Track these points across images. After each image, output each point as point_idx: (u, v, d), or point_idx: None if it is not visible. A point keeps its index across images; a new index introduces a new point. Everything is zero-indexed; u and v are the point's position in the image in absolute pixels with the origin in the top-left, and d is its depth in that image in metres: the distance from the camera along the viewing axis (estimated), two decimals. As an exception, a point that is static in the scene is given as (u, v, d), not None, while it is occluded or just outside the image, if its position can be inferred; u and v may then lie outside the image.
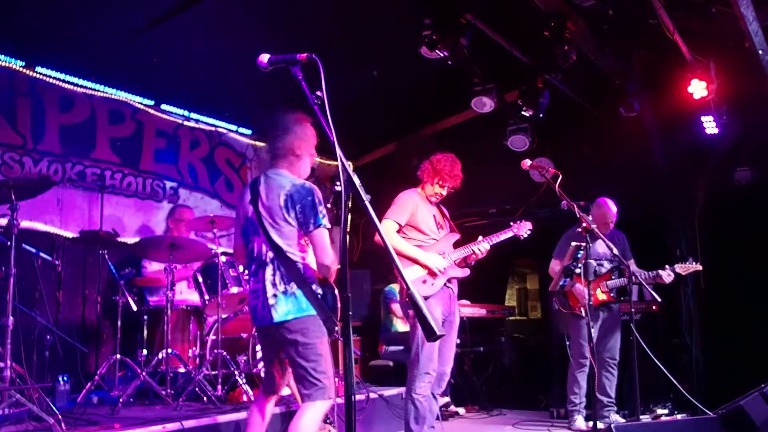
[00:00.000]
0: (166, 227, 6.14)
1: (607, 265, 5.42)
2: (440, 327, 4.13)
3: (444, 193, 4.47)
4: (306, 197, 3.11)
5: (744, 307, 6.05)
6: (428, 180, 4.47)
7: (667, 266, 5.21)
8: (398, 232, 4.32)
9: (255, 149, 7.28)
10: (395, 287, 6.72)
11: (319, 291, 3.12)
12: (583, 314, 5.29)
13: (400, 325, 6.73)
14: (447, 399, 6.19)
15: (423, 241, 4.36)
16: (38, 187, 4.25)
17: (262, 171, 3.28)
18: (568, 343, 5.47)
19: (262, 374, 3.74)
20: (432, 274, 4.26)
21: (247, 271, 3.35)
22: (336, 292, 3.19)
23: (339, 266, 3.25)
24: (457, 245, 4.46)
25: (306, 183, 3.20)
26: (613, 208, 5.46)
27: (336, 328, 3.11)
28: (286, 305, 3.07)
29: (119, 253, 5.66)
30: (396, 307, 6.68)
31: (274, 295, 3.09)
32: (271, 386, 3.31)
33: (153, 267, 5.58)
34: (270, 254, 3.13)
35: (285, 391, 3.31)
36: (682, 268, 5.21)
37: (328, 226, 3.15)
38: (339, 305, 3.20)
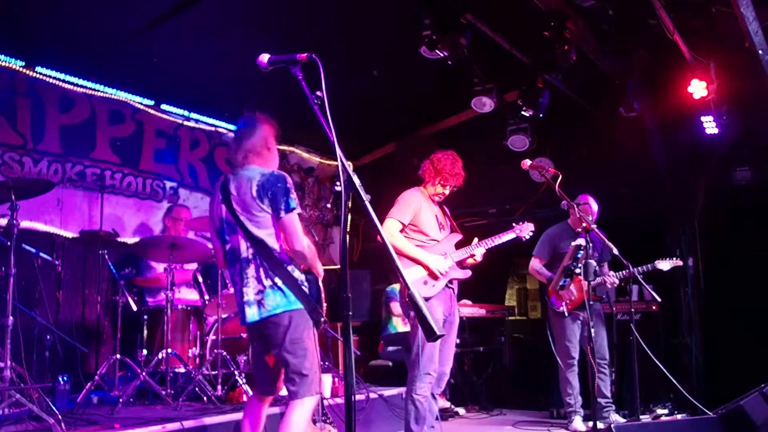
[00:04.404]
0: (163, 226, 6.14)
1: None
2: (440, 327, 4.14)
3: (447, 192, 4.45)
4: (276, 183, 3.11)
5: (744, 308, 6.04)
6: (430, 180, 4.46)
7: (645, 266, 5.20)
8: (400, 231, 4.31)
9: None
10: (397, 287, 6.71)
11: (304, 282, 3.13)
12: (566, 314, 5.31)
13: (399, 325, 6.73)
14: (447, 404, 6.18)
15: (424, 241, 4.35)
16: (38, 188, 4.25)
17: (233, 171, 3.28)
18: (553, 344, 5.47)
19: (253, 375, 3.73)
20: (433, 275, 4.25)
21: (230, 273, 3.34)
22: (320, 282, 3.19)
23: (330, 263, 3.26)
24: (459, 246, 4.45)
25: (275, 171, 3.20)
26: (594, 205, 5.43)
27: (322, 319, 3.11)
28: (274, 299, 3.08)
29: (119, 253, 5.66)
30: (394, 306, 6.69)
31: (261, 291, 3.09)
32: (265, 387, 3.30)
33: (160, 269, 5.57)
34: (251, 251, 3.13)
35: (282, 392, 3.30)
36: (663, 264, 5.21)
37: (299, 210, 3.15)
38: (323, 294, 3.21)
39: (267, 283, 3.09)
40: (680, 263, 5.27)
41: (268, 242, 3.11)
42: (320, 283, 3.20)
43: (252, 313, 3.10)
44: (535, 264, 5.61)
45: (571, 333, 5.36)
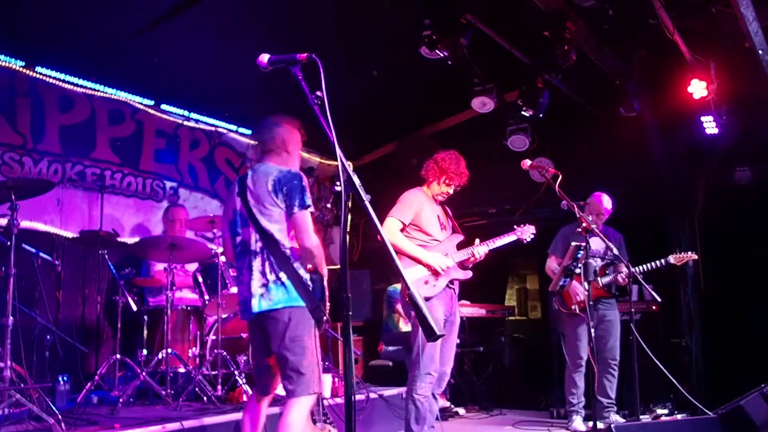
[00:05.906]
0: (162, 227, 6.14)
1: (599, 262, 5.41)
2: (440, 327, 4.14)
3: (451, 191, 4.44)
4: (292, 180, 3.16)
5: (744, 308, 6.05)
6: (434, 179, 4.44)
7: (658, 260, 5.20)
8: (401, 231, 4.29)
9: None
10: (399, 287, 6.70)
11: (308, 281, 3.14)
12: (578, 313, 5.30)
13: (403, 325, 6.73)
14: (447, 404, 6.17)
15: (426, 241, 4.33)
16: (38, 188, 4.25)
17: (251, 167, 3.33)
18: (563, 343, 5.46)
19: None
20: (435, 273, 4.24)
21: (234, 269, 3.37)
22: (325, 281, 3.21)
23: (329, 263, 3.26)
24: (460, 246, 4.43)
25: (293, 169, 3.25)
26: (606, 202, 5.37)
27: (325, 318, 3.12)
28: (276, 294, 3.10)
29: (119, 253, 5.66)
30: (401, 307, 6.68)
31: (264, 285, 3.12)
32: (265, 385, 3.30)
33: (159, 267, 5.57)
34: (259, 244, 3.16)
35: (282, 391, 3.30)
36: (676, 259, 5.20)
37: (313, 209, 3.19)
38: (327, 294, 3.23)
39: (271, 277, 3.12)
40: (695, 257, 5.23)
41: (277, 237, 3.14)
42: (325, 283, 3.21)
43: (255, 305, 3.13)
44: (552, 263, 5.55)
45: (582, 332, 5.33)
